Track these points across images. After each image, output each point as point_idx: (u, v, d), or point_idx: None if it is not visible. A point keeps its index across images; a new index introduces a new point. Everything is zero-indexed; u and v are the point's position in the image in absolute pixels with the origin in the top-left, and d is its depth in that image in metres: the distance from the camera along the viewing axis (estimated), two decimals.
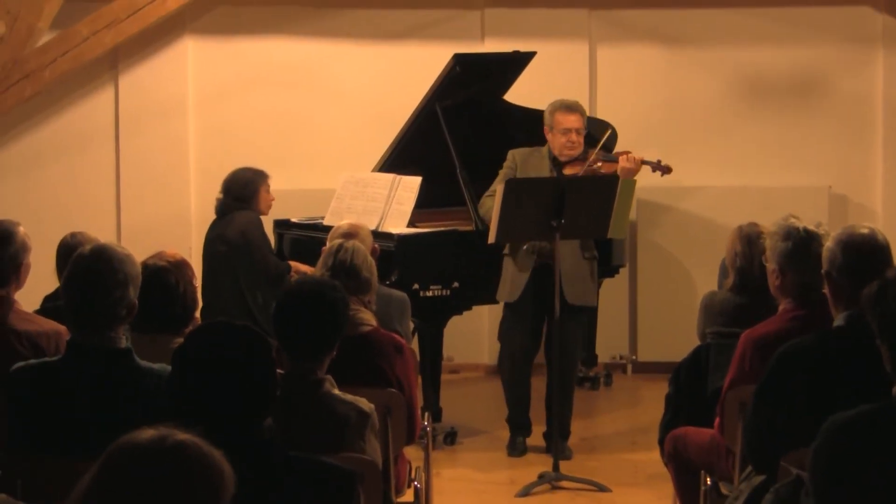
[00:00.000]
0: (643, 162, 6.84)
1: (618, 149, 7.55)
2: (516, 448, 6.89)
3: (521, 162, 6.82)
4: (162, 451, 2.02)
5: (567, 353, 6.71)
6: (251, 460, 2.69)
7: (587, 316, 7.21)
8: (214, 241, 7.22)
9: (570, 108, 6.79)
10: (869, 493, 2.91)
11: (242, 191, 7.21)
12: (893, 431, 2.94)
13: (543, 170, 6.74)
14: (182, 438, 2.05)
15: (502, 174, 6.82)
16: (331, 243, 5.00)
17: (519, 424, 6.94)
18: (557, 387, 6.60)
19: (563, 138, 6.75)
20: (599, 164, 6.85)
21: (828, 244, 3.99)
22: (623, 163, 6.75)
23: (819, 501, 2.98)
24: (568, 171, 6.76)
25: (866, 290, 3.37)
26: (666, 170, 6.97)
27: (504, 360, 6.97)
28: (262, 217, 7.26)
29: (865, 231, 3.98)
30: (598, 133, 7.17)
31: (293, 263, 7.23)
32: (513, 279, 6.73)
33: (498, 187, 6.27)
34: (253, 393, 2.82)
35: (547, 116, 6.81)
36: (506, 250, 6.76)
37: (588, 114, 8.19)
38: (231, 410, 2.78)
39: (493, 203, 6.46)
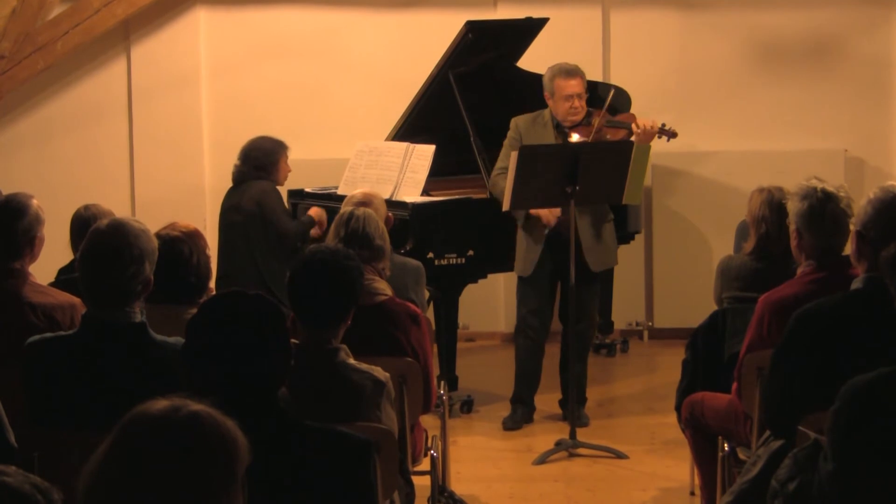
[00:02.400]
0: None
1: (630, 113, 7.51)
2: (513, 419, 6.75)
3: (524, 131, 6.71)
4: (175, 422, 2.01)
5: (583, 319, 6.68)
6: (266, 430, 2.69)
7: (602, 281, 7.16)
8: (230, 211, 7.16)
9: (570, 72, 6.66)
10: (888, 456, 2.89)
11: (264, 160, 7.13)
12: None
13: (548, 137, 6.68)
14: (196, 409, 2.04)
15: (507, 145, 6.72)
16: (341, 212, 4.97)
17: (521, 399, 6.82)
18: (573, 352, 6.59)
19: (565, 104, 6.64)
20: (605, 130, 6.77)
21: (862, 202, 3.97)
22: (641, 130, 6.64)
23: (838, 465, 2.97)
24: (573, 136, 6.69)
25: (884, 253, 3.36)
26: (671, 134, 6.86)
27: (517, 334, 6.90)
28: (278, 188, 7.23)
29: None
30: (602, 96, 7.10)
31: (312, 211, 7.18)
32: (526, 253, 6.68)
33: (512, 153, 6.22)
34: (267, 362, 2.81)
35: (546, 82, 6.70)
36: (520, 222, 6.70)
37: (602, 80, 8.16)
38: (245, 380, 2.77)
39: (505, 182, 6.42)
